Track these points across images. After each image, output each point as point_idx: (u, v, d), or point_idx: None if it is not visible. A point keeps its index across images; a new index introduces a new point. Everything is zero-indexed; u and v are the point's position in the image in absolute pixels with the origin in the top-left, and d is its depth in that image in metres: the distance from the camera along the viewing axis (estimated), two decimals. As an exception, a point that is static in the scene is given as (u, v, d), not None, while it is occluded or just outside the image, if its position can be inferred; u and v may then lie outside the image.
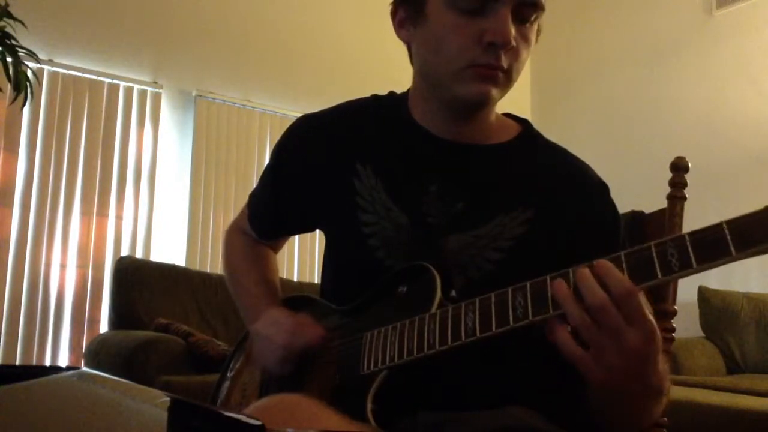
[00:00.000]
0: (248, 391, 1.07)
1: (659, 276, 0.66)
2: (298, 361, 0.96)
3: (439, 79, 0.91)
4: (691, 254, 0.64)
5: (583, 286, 0.69)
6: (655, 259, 0.66)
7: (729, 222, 0.62)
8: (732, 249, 0.62)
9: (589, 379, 0.72)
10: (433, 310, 0.82)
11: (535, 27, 0.92)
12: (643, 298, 0.69)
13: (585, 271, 0.69)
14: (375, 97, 1.07)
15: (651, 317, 0.69)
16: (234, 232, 1.21)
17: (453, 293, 0.87)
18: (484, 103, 0.91)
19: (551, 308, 0.71)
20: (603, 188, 1.00)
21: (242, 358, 1.14)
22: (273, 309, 1.02)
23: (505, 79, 0.90)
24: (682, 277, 0.66)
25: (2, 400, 0.63)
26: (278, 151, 1.09)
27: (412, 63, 1.01)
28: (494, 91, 0.89)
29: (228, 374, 1.14)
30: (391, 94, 1.06)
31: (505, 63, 0.87)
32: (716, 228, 0.63)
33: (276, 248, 1.22)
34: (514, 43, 0.86)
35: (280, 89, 4.18)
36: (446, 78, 0.90)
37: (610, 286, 0.68)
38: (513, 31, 0.85)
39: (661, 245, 0.66)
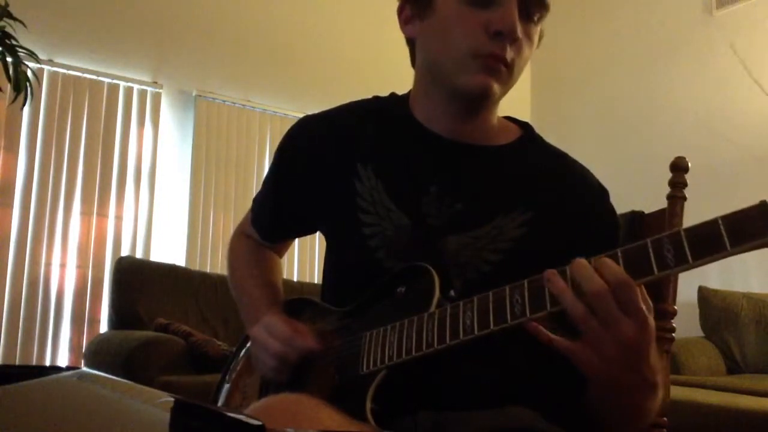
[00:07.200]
0: (248, 394, 1.07)
1: (656, 271, 0.66)
2: (294, 368, 0.95)
3: (443, 69, 0.92)
4: (687, 249, 0.64)
5: (580, 274, 0.69)
6: (652, 255, 0.67)
7: (724, 217, 0.63)
8: (727, 243, 0.62)
9: (583, 370, 0.73)
10: (432, 309, 0.82)
11: (539, 28, 0.94)
12: (643, 295, 0.70)
13: (582, 261, 0.70)
14: (376, 98, 1.07)
15: (644, 307, 0.69)
16: (238, 236, 1.21)
17: (452, 293, 0.88)
18: (485, 95, 0.91)
19: (548, 305, 0.71)
20: (602, 193, 1.00)
21: (243, 360, 1.13)
22: (270, 315, 1.00)
23: (507, 74, 0.90)
24: (678, 272, 0.67)
25: (2, 400, 0.63)
26: (280, 152, 1.09)
27: (413, 63, 1.01)
28: (496, 86, 0.90)
29: (228, 377, 1.14)
30: (393, 95, 1.07)
31: (509, 56, 0.88)
32: (711, 223, 0.64)
33: (280, 252, 1.21)
34: (519, 36, 0.88)
35: (280, 89, 4.18)
36: (450, 67, 0.91)
37: (606, 276, 0.68)
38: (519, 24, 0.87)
39: (657, 241, 0.67)
